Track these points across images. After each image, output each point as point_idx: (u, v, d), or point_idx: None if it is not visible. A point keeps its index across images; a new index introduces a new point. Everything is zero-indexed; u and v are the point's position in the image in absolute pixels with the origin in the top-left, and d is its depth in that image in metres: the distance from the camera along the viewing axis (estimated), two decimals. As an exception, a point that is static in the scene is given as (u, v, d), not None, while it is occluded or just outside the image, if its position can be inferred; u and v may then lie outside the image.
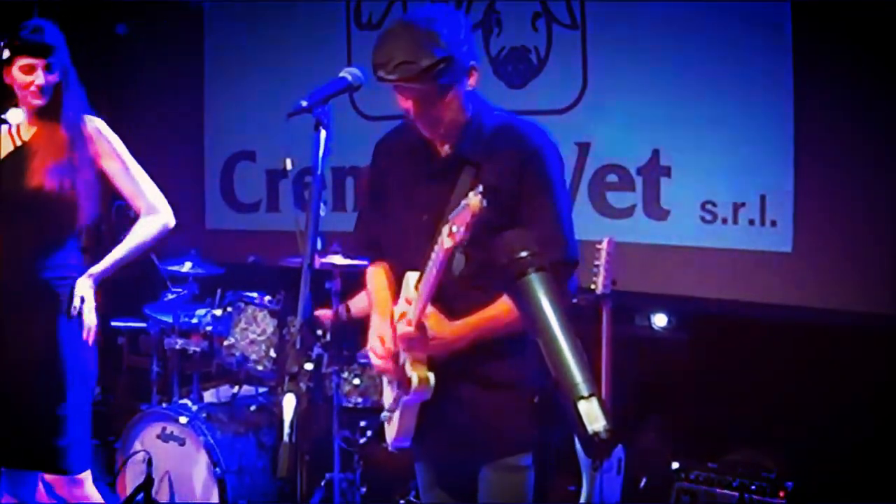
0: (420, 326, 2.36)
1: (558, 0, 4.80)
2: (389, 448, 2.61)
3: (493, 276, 1.82)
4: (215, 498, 4.13)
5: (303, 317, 2.02)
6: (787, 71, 4.20)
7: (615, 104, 4.68)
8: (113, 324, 4.96)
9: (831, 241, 4.21)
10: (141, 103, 5.67)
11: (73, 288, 3.15)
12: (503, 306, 2.34)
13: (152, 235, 3.29)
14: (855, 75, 4.07)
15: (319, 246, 2.10)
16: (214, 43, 5.96)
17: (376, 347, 2.52)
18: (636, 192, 4.66)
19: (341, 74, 2.26)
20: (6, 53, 3.08)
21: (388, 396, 2.60)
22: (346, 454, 4.24)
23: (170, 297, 4.72)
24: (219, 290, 4.65)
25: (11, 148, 3.18)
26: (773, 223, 4.31)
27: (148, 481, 4.15)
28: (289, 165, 2.49)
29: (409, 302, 2.43)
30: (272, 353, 4.36)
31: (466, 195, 2.10)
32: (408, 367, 2.42)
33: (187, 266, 4.67)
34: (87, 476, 3.24)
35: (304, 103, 2.15)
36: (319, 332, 4.14)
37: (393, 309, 2.55)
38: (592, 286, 3.74)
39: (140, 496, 4.13)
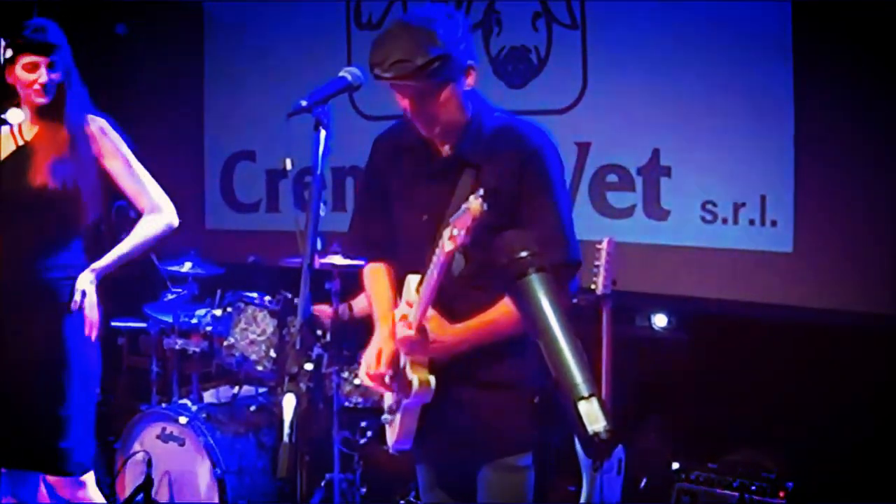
0: (421, 330, 2.36)
1: (558, 0, 4.80)
2: (390, 450, 2.61)
3: (493, 276, 1.82)
4: (215, 498, 4.13)
5: (303, 317, 2.02)
6: (788, 71, 4.20)
7: (615, 104, 4.68)
8: (113, 324, 4.95)
9: (831, 241, 4.21)
10: (141, 103, 5.67)
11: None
12: (504, 309, 2.34)
13: (155, 234, 3.29)
14: (855, 75, 4.07)
15: (319, 246, 2.10)
16: (214, 43, 5.95)
17: (371, 363, 2.52)
18: (636, 192, 4.66)
19: (341, 74, 2.26)
20: (9, 52, 3.08)
21: (389, 398, 2.59)
22: (346, 454, 4.23)
23: (170, 297, 4.72)
24: (219, 291, 4.65)
25: (13, 147, 3.18)
26: (774, 223, 4.31)
27: (147, 482, 4.15)
28: (289, 165, 2.49)
29: (409, 305, 2.43)
30: (272, 354, 4.36)
31: (467, 197, 2.10)
32: (408, 370, 2.42)
33: (187, 266, 4.67)
34: (89, 478, 3.24)
35: (304, 103, 2.15)
36: (319, 333, 4.14)
37: (394, 312, 2.55)
38: (592, 286, 3.73)
39: (140, 496, 4.13)
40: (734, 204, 4.41)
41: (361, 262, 2.77)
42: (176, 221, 3.32)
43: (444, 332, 2.38)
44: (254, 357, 4.40)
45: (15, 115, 3.19)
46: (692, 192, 4.52)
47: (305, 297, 2.02)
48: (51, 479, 3.23)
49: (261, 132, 5.64)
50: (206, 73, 5.99)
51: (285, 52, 5.57)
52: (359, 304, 4.16)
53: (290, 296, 4.33)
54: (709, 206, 4.48)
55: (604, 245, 3.80)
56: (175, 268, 4.68)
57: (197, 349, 4.54)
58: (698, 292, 4.57)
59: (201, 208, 5.98)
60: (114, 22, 5.94)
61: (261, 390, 4.72)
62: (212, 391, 4.95)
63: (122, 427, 4.38)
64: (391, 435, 2.57)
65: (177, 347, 4.52)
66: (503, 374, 2.46)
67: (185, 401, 4.46)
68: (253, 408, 4.52)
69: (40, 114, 3.17)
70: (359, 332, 3.80)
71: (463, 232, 2.07)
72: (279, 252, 4.40)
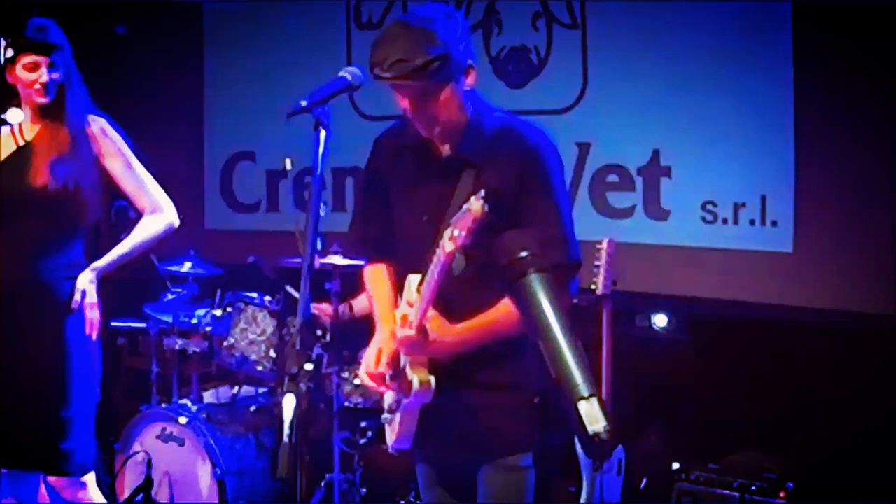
0: (422, 330, 2.36)
1: (558, 0, 4.80)
2: (390, 450, 2.60)
3: (493, 276, 1.82)
4: (215, 499, 4.13)
5: (303, 317, 2.02)
6: (788, 71, 4.19)
7: (616, 104, 4.68)
8: (113, 324, 4.95)
9: (832, 242, 4.21)
10: (141, 103, 5.66)
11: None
12: (505, 309, 2.33)
13: (156, 233, 3.29)
14: (855, 75, 4.07)
15: (319, 246, 2.09)
16: (214, 43, 5.95)
17: (370, 362, 2.52)
18: (636, 192, 4.66)
19: (341, 74, 2.26)
20: (10, 52, 3.08)
21: (389, 398, 2.59)
22: (346, 455, 4.23)
23: (169, 297, 4.71)
24: (218, 291, 4.65)
25: (14, 147, 3.18)
26: (774, 223, 4.31)
27: (147, 482, 4.15)
28: (288, 165, 2.49)
29: (410, 305, 2.43)
30: (272, 354, 4.36)
31: (467, 197, 2.09)
32: (408, 370, 2.41)
33: (187, 266, 4.66)
34: (90, 478, 3.23)
35: (304, 103, 2.15)
36: (319, 333, 4.14)
37: (395, 312, 2.55)
38: (593, 286, 3.73)
39: (139, 497, 4.13)
40: (734, 204, 4.41)
41: (361, 263, 2.77)
42: (177, 221, 3.32)
43: (444, 332, 2.38)
44: (254, 357, 4.40)
45: (15, 114, 3.19)
46: (692, 192, 4.51)
47: (305, 298, 2.02)
48: (52, 479, 3.22)
49: (261, 132, 5.64)
50: (206, 73, 5.98)
51: (285, 52, 5.57)
52: (359, 303, 4.16)
53: (288, 288, 4.32)
54: (709, 207, 4.48)
55: (604, 245, 3.80)
56: (175, 268, 4.68)
57: (197, 349, 4.54)
58: (699, 292, 4.57)
59: (201, 208, 5.97)
60: (114, 22, 5.94)
61: (261, 390, 4.72)
62: (212, 391, 4.95)
63: (121, 427, 4.38)
64: (391, 434, 2.57)
65: (177, 348, 4.52)
66: (503, 375, 2.46)
67: (184, 401, 4.45)
68: (253, 408, 4.52)
69: (41, 113, 3.17)
70: (359, 332, 3.80)
71: (464, 233, 2.07)
72: (279, 252, 4.39)
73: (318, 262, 4.00)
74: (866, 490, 3.90)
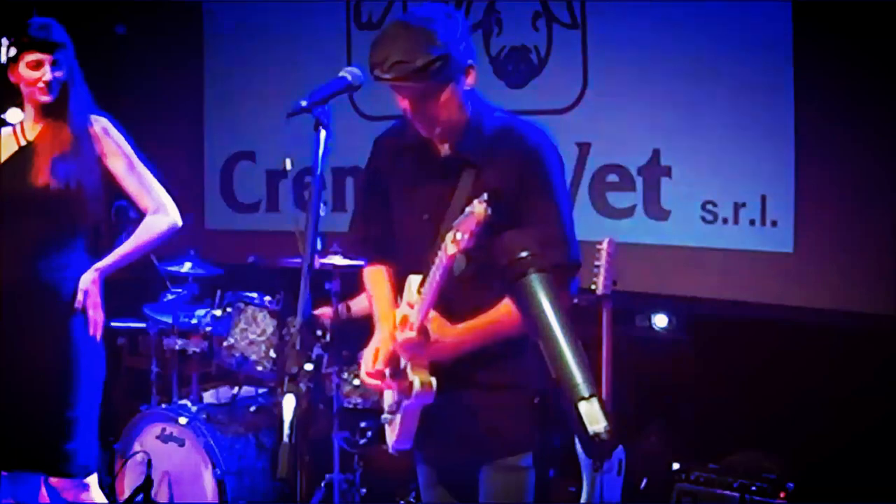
0: (423, 331, 2.35)
1: (558, 0, 4.80)
2: (390, 450, 2.60)
3: (494, 277, 1.82)
4: (215, 499, 4.13)
5: (303, 317, 2.02)
6: (788, 71, 4.19)
7: (616, 104, 4.68)
8: (112, 324, 4.94)
9: (832, 242, 4.21)
10: (140, 103, 5.67)
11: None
12: (505, 309, 2.33)
13: (159, 234, 3.28)
14: (855, 75, 4.07)
15: (319, 246, 2.09)
16: (214, 43, 5.95)
17: (368, 361, 2.52)
18: (636, 192, 4.66)
19: (341, 74, 2.26)
20: (13, 51, 3.08)
21: (389, 398, 2.59)
22: (346, 455, 4.23)
23: (169, 297, 4.71)
24: (218, 291, 4.65)
25: (16, 148, 3.18)
26: (774, 223, 4.31)
27: (147, 482, 4.15)
28: (288, 165, 2.48)
29: (411, 306, 2.43)
30: (272, 354, 4.36)
31: (468, 197, 2.09)
32: (409, 371, 2.41)
33: (187, 266, 4.66)
34: (93, 479, 3.23)
35: (304, 103, 2.15)
36: (319, 333, 4.14)
37: (395, 312, 2.55)
38: (593, 286, 3.73)
39: (139, 497, 4.13)
40: (734, 204, 4.40)
41: (361, 263, 2.76)
42: (179, 221, 3.31)
43: (445, 332, 2.38)
44: (253, 357, 4.40)
45: (15, 114, 3.19)
46: (692, 192, 4.51)
47: (305, 298, 2.02)
48: (54, 480, 3.21)
49: (261, 132, 5.64)
50: (205, 73, 5.99)
51: (285, 52, 5.57)
52: (357, 304, 4.16)
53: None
54: (709, 206, 4.47)
55: (604, 245, 3.79)
56: (175, 268, 4.67)
57: (197, 349, 4.53)
58: (699, 292, 4.57)
59: (201, 208, 5.97)
60: (113, 22, 5.94)
61: (260, 391, 4.72)
62: (211, 392, 4.95)
63: (121, 427, 4.37)
64: (391, 435, 2.57)
65: (176, 348, 4.52)
66: (503, 375, 2.46)
67: (184, 401, 4.45)
68: (253, 408, 4.52)
69: (44, 112, 3.16)
70: (359, 332, 3.80)
71: (467, 236, 2.07)
72: (279, 252, 4.39)
73: (318, 262, 4.00)
74: (866, 490, 3.90)
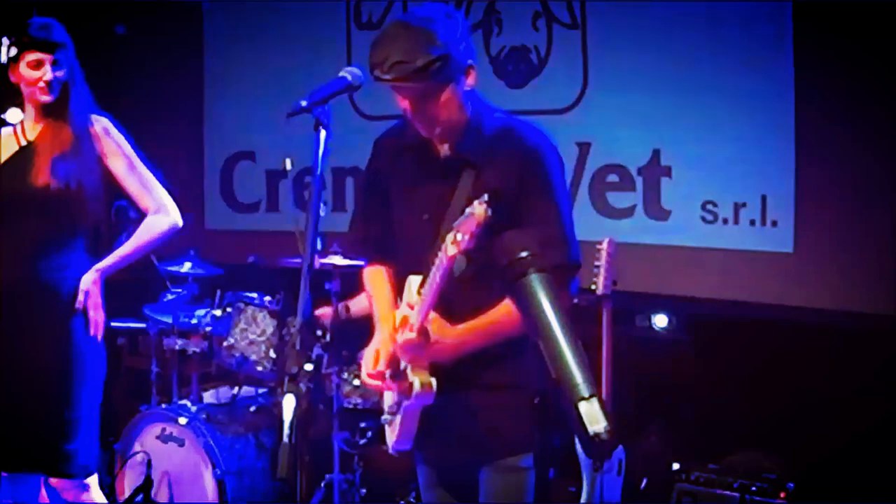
0: (423, 332, 2.35)
1: (558, 0, 4.80)
2: (390, 451, 2.60)
3: (493, 277, 1.82)
4: (215, 499, 4.13)
5: (303, 317, 2.02)
6: (788, 71, 4.19)
7: (616, 104, 4.68)
8: (112, 324, 4.94)
9: (832, 242, 4.20)
10: (140, 103, 5.66)
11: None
12: (506, 309, 2.33)
13: (160, 234, 3.28)
14: (856, 75, 4.07)
15: (319, 246, 2.09)
16: (214, 43, 5.95)
17: (368, 362, 2.51)
18: (637, 192, 4.66)
19: (341, 74, 2.26)
20: (13, 51, 3.08)
21: (389, 399, 2.59)
22: (345, 455, 4.23)
23: (169, 297, 4.71)
24: (218, 291, 4.65)
25: (16, 148, 3.18)
26: (774, 223, 4.31)
27: (147, 482, 4.15)
28: (288, 165, 2.49)
29: (411, 307, 2.43)
30: (272, 354, 4.35)
31: (468, 198, 2.09)
32: (409, 372, 2.41)
33: (187, 266, 4.66)
34: (93, 480, 3.22)
35: (304, 103, 2.14)
36: (319, 333, 4.14)
37: (395, 313, 2.55)
38: (593, 286, 3.73)
39: (139, 497, 4.13)
40: (735, 204, 4.40)
41: (361, 263, 2.76)
42: (180, 221, 3.31)
43: (445, 333, 2.38)
44: (253, 357, 4.39)
45: (14, 114, 3.19)
46: (692, 192, 4.51)
47: (305, 298, 2.02)
48: (54, 481, 3.20)
49: (261, 132, 5.64)
50: (205, 72, 5.98)
51: (285, 52, 5.57)
52: (357, 304, 4.15)
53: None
54: (709, 206, 4.47)
55: (604, 245, 3.79)
56: (174, 268, 4.67)
57: (197, 350, 4.53)
58: (699, 293, 4.57)
59: (201, 208, 5.97)
60: (113, 22, 5.94)
61: (260, 391, 4.72)
62: (211, 392, 4.95)
63: (121, 427, 4.37)
64: (391, 435, 2.57)
65: (176, 348, 4.51)
66: (503, 375, 2.46)
67: (184, 401, 4.45)
68: (253, 408, 4.52)
69: (45, 112, 3.16)
70: (359, 332, 3.80)
71: (467, 237, 2.07)
72: (279, 252, 4.39)
73: (318, 262, 4.00)
74: (866, 490, 3.90)
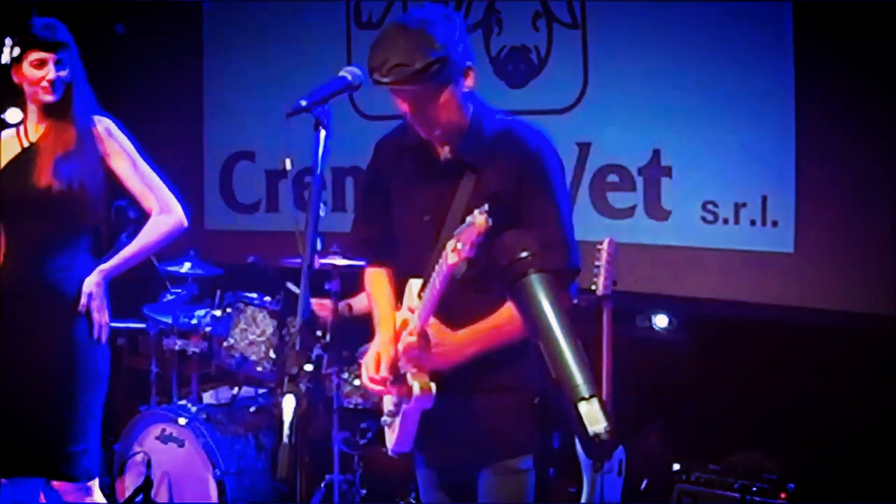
0: (423, 336, 2.35)
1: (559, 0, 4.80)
2: (390, 453, 2.60)
3: (493, 280, 1.81)
4: (215, 499, 4.12)
5: (302, 317, 2.01)
6: (789, 71, 4.19)
7: (616, 104, 4.67)
8: (112, 324, 4.93)
9: (833, 242, 4.20)
10: (140, 103, 5.66)
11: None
12: (508, 314, 2.32)
13: (165, 234, 3.27)
14: (856, 76, 4.07)
15: (319, 246, 2.09)
16: (214, 43, 5.95)
17: (370, 367, 2.51)
18: (637, 192, 4.66)
19: (341, 74, 2.25)
20: (17, 50, 3.08)
21: (389, 400, 2.58)
22: (345, 456, 4.23)
23: (169, 297, 4.71)
24: (218, 291, 4.64)
25: (19, 149, 3.18)
26: (775, 223, 4.31)
27: (147, 483, 4.14)
28: (288, 165, 2.48)
29: (412, 311, 2.42)
30: (272, 354, 4.35)
31: (468, 200, 2.08)
32: (409, 376, 2.40)
33: (186, 266, 4.65)
34: (95, 483, 3.22)
35: (304, 103, 2.14)
36: (319, 333, 4.13)
37: (395, 315, 2.54)
38: (593, 287, 3.72)
39: (139, 498, 4.12)
40: (735, 204, 4.40)
41: (361, 263, 2.76)
42: (185, 221, 3.30)
43: (445, 339, 2.38)
44: (253, 358, 4.39)
45: (14, 114, 3.19)
46: (693, 193, 4.51)
47: (305, 298, 2.01)
48: (56, 484, 3.18)
49: (260, 132, 5.64)
50: (205, 72, 5.98)
51: (285, 51, 5.57)
52: (359, 302, 4.15)
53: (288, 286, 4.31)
54: (710, 207, 4.47)
55: (604, 245, 3.79)
56: (174, 268, 4.67)
57: (196, 350, 4.53)
58: (699, 293, 4.57)
59: (200, 208, 5.97)
60: (113, 21, 5.93)
61: (260, 391, 4.72)
62: (211, 392, 4.95)
63: (121, 428, 4.37)
64: (390, 437, 2.57)
65: (176, 348, 4.51)
66: (504, 377, 2.45)
67: (184, 402, 4.45)
68: (252, 409, 4.52)
69: (47, 112, 3.16)
70: (359, 332, 3.79)
71: (468, 246, 2.06)
72: (279, 252, 4.39)
73: (318, 262, 3.99)
74: (866, 490, 3.89)
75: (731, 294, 4.47)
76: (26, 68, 3.10)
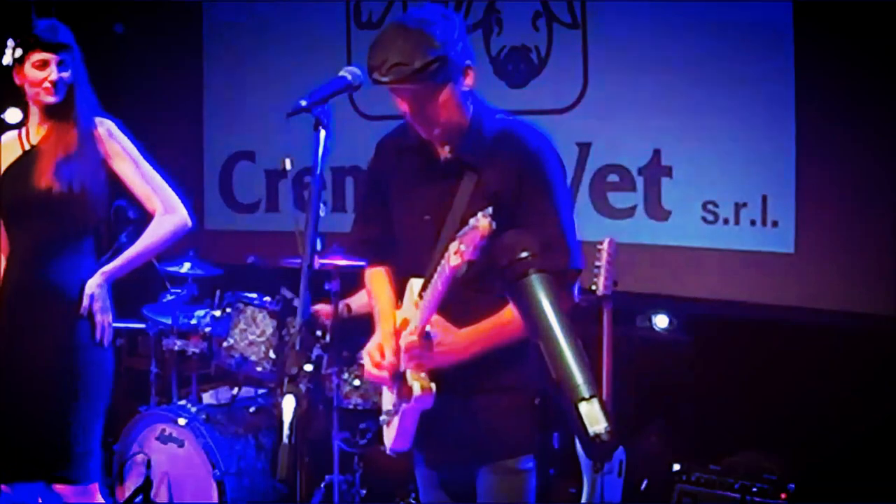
0: (424, 335, 2.34)
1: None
2: (388, 452, 2.60)
3: (493, 279, 1.81)
4: (214, 500, 4.12)
5: (302, 318, 2.01)
6: (789, 70, 4.19)
7: (616, 104, 4.67)
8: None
9: (833, 242, 4.20)
10: (140, 103, 5.66)
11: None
12: (510, 314, 2.31)
13: (169, 234, 3.26)
14: (856, 76, 4.07)
15: (319, 247, 2.08)
16: (214, 42, 5.95)
17: (374, 354, 2.51)
18: (637, 192, 4.65)
19: (341, 73, 2.26)
20: (19, 52, 3.08)
21: (388, 399, 2.58)
22: (345, 456, 4.22)
23: (168, 297, 4.70)
24: (218, 291, 4.64)
25: (20, 152, 3.18)
26: (775, 223, 4.31)
27: (147, 483, 4.14)
28: (288, 165, 2.47)
29: (416, 306, 2.42)
30: (271, 355, 4.34)
31: (468, 201, 2.08)
32: (409, 376, 2.40)
33: (186, 267, 4.65)
34: (96, 486, 3.21)
35: (304, 103, 2.14)
36: (319, 333, 4.13)
37: (396, 313, 2.54)
38: (593, 287, 3.72)
39: (139, 498, 4.12)
40: (735, 204, 4.40)
41: (361, 263, 2.76)
42: (189, 221, 3.29)
43: (449, 337, 2.37)
44: (253, 358, 4.39)
45: (14, 114, 3.19)
46: (693, 193, 4.51)
47: (305, 299, 2.01)
48: (58, 487, 3.17)
49: (260, 132, 5.64)
50: (205, 72, 5.98)
51: (285, 51, 5.57)
52: (357, 301, 4.14)
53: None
54: (710, 207, 4.47)
55: (604, 245, 3.79)
56: (174, 268, 4.66)
57: (196, 350, 4.52)
58: (699, 293, 4.56)
59: (200, 209, 5.96)
60: (112, 21, 5.93)
61: (260, 391, 4.71)
62: (211, 392, 4.94)
63: (121, 428, 4.37)
64: (388, 437, 2.56)
65: (176, 348, 4.51)
66: (504, 377, 2.45)
67: (184, 402, 4.44)
68: (252, 409, 4.51)
69: (49, 114, 3.15)
70: (359, 332, 3.79)
71: (471, 248, 2.06)
72: (278, 253, 4.38)
73: (318, 262, 3.99)
74: (866, 490, 3.89)
75: (731, 294, 4.46)
76: (28, 69, 3.09)
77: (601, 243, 3.80)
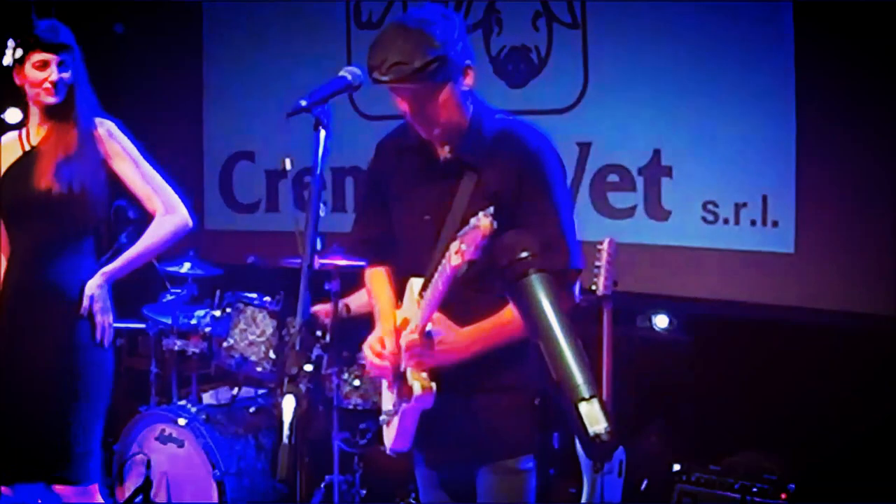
0: (424, 334, 2.34)
1: (559, -1, 4.81)
2: (387, 451, 2.60)
3: (493, 279, 1.81)
4: (214, 500, 4.12)
5: (302, 318, 2.01)
6: (789, 70, 4.19)
7: (616, 104, 4.67)
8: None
9: (833, 242, 4.20)
10: (140, 103, 5.65)
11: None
12: (511, 313, 2.31)
13: (170, 234, 3.25)
14: (856, 75, 4.06)
15: (319, 246, 2.08)
16: (214, 42, 5.95)
17: (374, 346, 2.50)
18: (637, 192, 4.65)
19: (341, 73, 2.26)
20: (19, 52, 3.07)
21: (388, 399, 2.58)
22: (345, 456, 4.22)
23: (168, 297, 4.70)
24: (218, 291, 4.64)
25: (20, 153, 3.18)
26: (775, 223, 4.30)
27: (146, 484, 4.14)
28: (288, 165, 2.47)
29: (418, 305, 2.42)
30: (271, 355, 4.34)
31: (468, 201, 2.08)
32: (409, 375, 2.40)
33: (186, 267, 4.65)
34: (96, 487, 3.21)
35: (304, 103, 2.14)
36: (319, 333, 4.13)
37: (396, 312, 2.54)
38: (593, 287, 3.72)
39: (139, 498, 4.12)
40: (735, 204, 4.40)
41: (361, 263, 2.76)
42: (190, 221, 3.29)
43: (450, 335, 2.37)
44: (253, 358, 4.39)
45: (14, 114, 3.19)
46: (693, 193, 4.51)
47: (305, 299, 2.01)
48: (58, 488, 3.17)
49: (260, 132, 5.63)
50: (205, 72, 5.98)
51: (285, 51, 5.57)
52: (356, 300, 4.14)
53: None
54: (710, 207, 4.47)
55: (604, 245, 3.79)
56: (174, 268, 4.66)
57: (196, 350, 4.52)
58: (699, 293, 4.56)
59: (200, 209, 5.96)
60: (112, 21, 5.93)
61: (260, 391, 4.71)
62: (211, 392, 4.94)
63: (120, 428, 4.36)
64: (388, 436, 2.56)
65: (176, 349, 4.51)
66: (504, 376, 2.45)
67: (183, 402, 4.44)
68: (252, 409, 4.51)
69: (49, 114, 3.15)
70: (359, 332, 3.79)
71: (472, 248, 2.06)
72: (278, 253, 4.38)
73: (318, 262, 3.99)
74: (866, 490, 3.89)
75: (731, 294, 4.46)
76: (29, 70, 3.09)
77: (601, 243, 3.80)
